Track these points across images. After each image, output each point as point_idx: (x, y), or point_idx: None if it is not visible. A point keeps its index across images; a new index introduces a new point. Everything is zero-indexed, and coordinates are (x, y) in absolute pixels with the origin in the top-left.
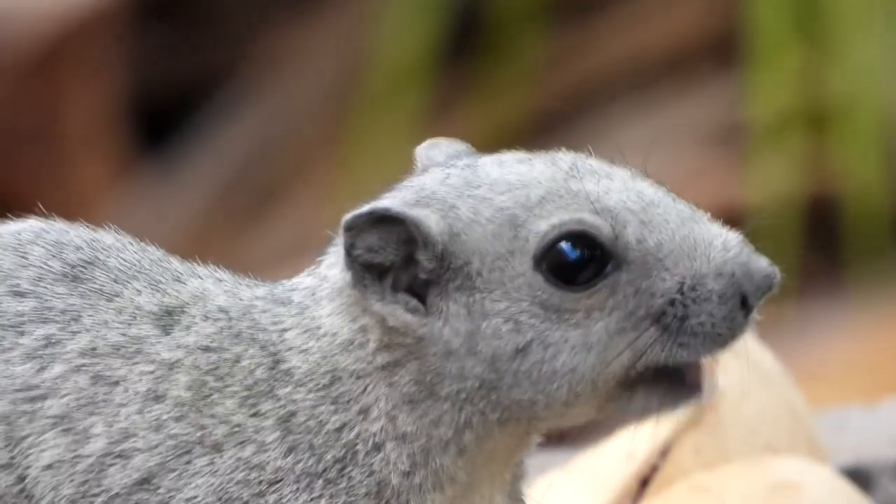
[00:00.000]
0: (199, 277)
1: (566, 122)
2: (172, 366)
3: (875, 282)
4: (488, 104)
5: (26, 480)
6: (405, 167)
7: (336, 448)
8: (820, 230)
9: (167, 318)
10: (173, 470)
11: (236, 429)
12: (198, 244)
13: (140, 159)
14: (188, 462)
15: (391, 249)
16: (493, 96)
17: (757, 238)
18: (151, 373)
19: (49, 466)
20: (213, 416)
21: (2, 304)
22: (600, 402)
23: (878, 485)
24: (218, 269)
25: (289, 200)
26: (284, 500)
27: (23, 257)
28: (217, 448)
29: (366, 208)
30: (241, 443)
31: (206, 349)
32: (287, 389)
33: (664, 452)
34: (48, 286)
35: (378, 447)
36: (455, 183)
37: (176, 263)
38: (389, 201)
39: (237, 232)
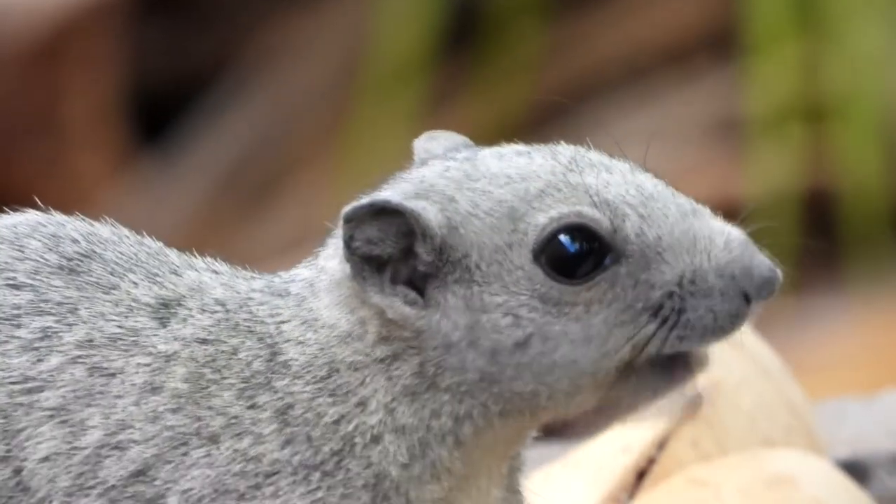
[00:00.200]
0: (197, 270)
1: (565, 114)
2: (169, 358)
3: (873, 275)
4: (487, 96)
5: (23, 473)
6: (404, 159)
7: (334, 440)
8: (818, 223)
9: (164, 311)
10: (170, 461)
11: (233, 421)
12: (196, 236)
13: (139, 152)
14: (185, 454)
15: (390, 242)
16: (492, 89)
17: (755, 231)
18: (148, 365)
19: (46, 458)
20: (210, 407)
21: None
22: (601, 391)
23: (875, 477)
24: (215, 262)
25: (288, 192)
26: (281, 492)
27: (19, 250)
28: (214, 440)
29: (365, 200)
30: (238, 434)
31: (204, 341)
32: (284, 381)
33: (661, 445)
34: (45, 279)
35: (376, 439)
36: (454, 175)
37: (173, 256)
38: (389, 193)
39: (236, 224)
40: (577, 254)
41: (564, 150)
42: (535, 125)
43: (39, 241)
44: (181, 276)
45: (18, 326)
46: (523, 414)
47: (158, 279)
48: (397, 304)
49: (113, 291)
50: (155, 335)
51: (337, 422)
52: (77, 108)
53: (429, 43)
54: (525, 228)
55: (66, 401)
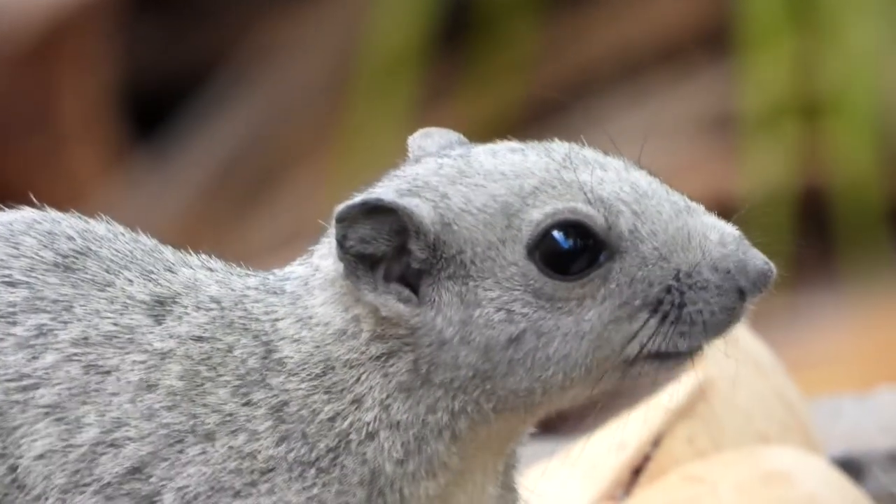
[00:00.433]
0: (191, 267)
1: (559, 111)
2: (165, 355)
3: (868, 271)
4: (481, 93)
5: (18, 470)
6: (399, 156)
7: (329, 437)
8: (813, 220)
9: (159, 308)
10: (165, 459)
11: (228, 418)
12: (191, 233)
13: (133, 149)
14: (180, 451)
15: (383, 240)
16: (487, 86)
17: (749, 228)
18: (144, 362)
19: (41, 456)
20: (205, 405)
21: None
22: (597, 385)
23: (870, 474)
24: (210, 259)
25: (282, 189)
26: (277, 489)
27: (15, 247)
28: (209, 437)
29: (358, 199)
30: (234, 432)
31: (199, 339)
32: (280, 379)
33: (657, 442)
34: (40, 276)
35: (371, 436)
36: (448, 172)
37: (168, 253)
38: (381, 191)
39: (230, 221)
40: (572, 250)
41: (559, 147)
42: (529, 122)
43: (34, 238)
44: (176, 273)
45: (14, 324)
46: (518, 410)
47: (153, 276)
48: (391, 302)
49: (108, 289)
50: (150, 332)
51: (332, 419)
52: (71, 106)
53: (423, 40)
54: (519, 224)
55: (62, 398)
